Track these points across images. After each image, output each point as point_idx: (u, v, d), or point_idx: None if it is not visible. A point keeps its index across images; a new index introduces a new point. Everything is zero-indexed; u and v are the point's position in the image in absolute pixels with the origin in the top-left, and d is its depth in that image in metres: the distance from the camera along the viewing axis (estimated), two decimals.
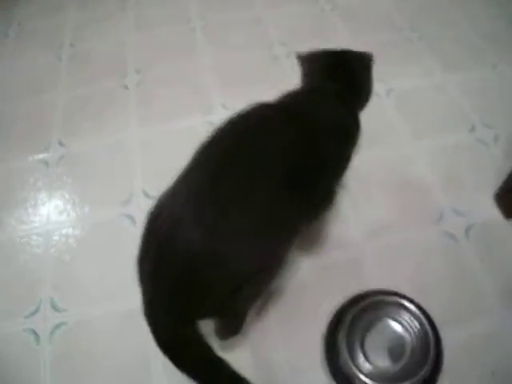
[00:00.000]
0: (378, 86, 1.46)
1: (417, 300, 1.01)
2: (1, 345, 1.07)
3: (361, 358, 0.95)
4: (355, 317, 0.98)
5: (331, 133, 0.95)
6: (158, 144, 1.39)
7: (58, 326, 1.08)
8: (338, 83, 1.04)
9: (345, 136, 1.00)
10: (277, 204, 0.81)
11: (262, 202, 0.79)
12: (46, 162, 1.39)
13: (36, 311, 1.11)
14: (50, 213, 1.29)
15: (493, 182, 1.23)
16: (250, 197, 0.78)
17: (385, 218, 1.20)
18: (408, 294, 1.02)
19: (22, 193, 1.34)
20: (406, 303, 1.00)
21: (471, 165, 1.30)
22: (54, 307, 1.11)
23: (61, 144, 1.43)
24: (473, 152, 1.33)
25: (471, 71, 1.54)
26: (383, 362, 0.96)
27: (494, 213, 1.20)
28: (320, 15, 1.78)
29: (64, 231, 1.24)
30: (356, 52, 1.11)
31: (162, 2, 1.92)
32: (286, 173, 0.83)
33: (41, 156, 1.41)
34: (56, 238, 1.23)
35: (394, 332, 0.99)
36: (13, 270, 1.19)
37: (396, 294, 1.02)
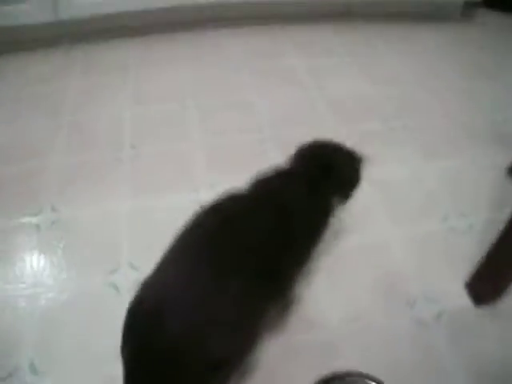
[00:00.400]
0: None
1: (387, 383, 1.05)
2: None
3: None
4: None
5: (297, 217, 1.03)
6: (146, 217, 1.45)
7: None
8: (315, 169, 1.14)
9: (310, 221, 1.09)
10: (250, 293, 0.89)
11: (236, 291, 0.86)
12: (37, 226, 1.44)
13: (13, 374, 1.12)
14: (37, 276, 1.32)
15: (465, 270, 1.30)
16: (225, 287, 0.85)
17: (359, 301, 1.26)
18: (379, 377, 1.06)
19: (11, 253, 1.38)
20: None
21: (444, 253, 1.37)
22: (33, 371, 1.12)
23: (53, 209, 1.49)
24: (446, 240, 1.41)
25: (448, 160, 1.66)
26: None
27: (465, 300, 1.26)
28: (309, 103, 1.90)
29: (50, 295, 1.27)
30: (345, 147, 1.22)
31: (160, 78, 2.04)
32: (258, 260, 0.92)
33: (32, 219, 1.46)
34: (41, 301, 1.26)
35: None
36: None
37: (366, 376, 1.06)
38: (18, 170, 1.63)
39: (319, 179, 1.12)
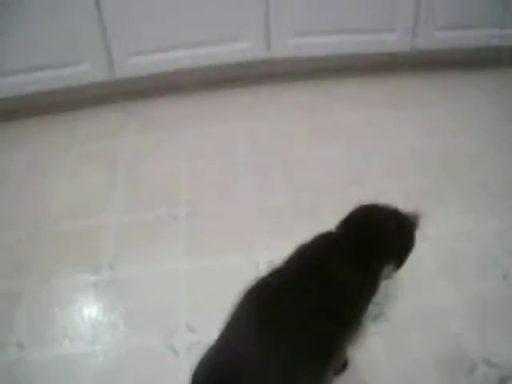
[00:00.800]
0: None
1: None
2: None
3: None
4: None
5: (345, 291, 1.06)
6: (203, 278, 1.48)
7: None
8: (363, 239, 1.12)
9: (358, 294, 1.09)
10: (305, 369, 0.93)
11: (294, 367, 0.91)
12: (95, 284, 1.49)
13: None
14: (95, 335, 1.36)
15: None
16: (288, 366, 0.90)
17: (416, 366, 1.23)
18: None
19: (71, 312, 1.43)
20: None
21: (506, 314, 1.34)
22: None
23: (110, 267, 1.54)
24: (507, 299, 1.37)
25: (504, 216, 1.63)
26: None
27: None
28: (359, 158, 1.92)
29: (107, 355, 1.31)
30: (397, 212, 1.20)
31: (214, 135, 2.10)
32: (311, 336, 0.95)
33: (90, 277, 1.51)
34: (99, 360, 1.29)
35: None
36: None
37: None
38: (77, 227, 1.70)
39: (367, 250, 1.11)
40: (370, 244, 1.11)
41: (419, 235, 1.50)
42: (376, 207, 1.21)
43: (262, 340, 0.91)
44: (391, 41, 2.21)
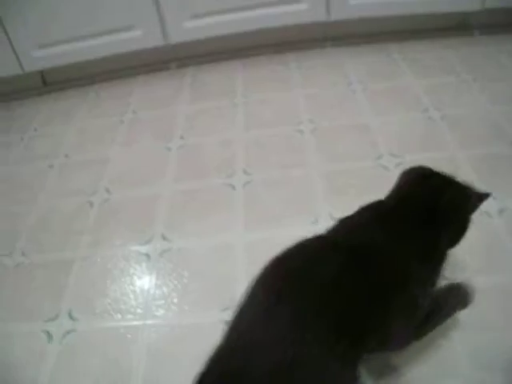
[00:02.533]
0: (488, 204, 1.40)
1: None
2: None
3: None
4: None
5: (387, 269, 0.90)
6: (261, 250, 1.36)
7: None
8: (418, 210, 0.98)
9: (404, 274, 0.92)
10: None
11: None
12: (147, 255, 1.43)
13: None
14: (148, 307, 1.30)
15: None
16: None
17: (499, 349, 1.10)
18: None
19: (122, 282, 1.37)
20: None
21: None
22: None
23: (164, 238, 1.47)
24: None
25: None
26: None
27: None
28: (428, 124, 1.76)
29: (159, 328, 1.25)
30: (456, 182, 1.04)
31: (272, 101, 2.00)
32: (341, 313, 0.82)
33: (143, 248, 1.45)
34: (151, 334, 1.24)
35: None
36: (104, 361, 1.19)
37: None
38: (131, 195, 1.65)
39: (422, 222, 0.96)
40: (431, 213, 0.97)
41: (491, 209, 1.39)
42: (433, 173, 1.06)
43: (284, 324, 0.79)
44: None
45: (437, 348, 1.11)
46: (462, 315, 1.14)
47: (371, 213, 1.01)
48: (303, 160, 1.68)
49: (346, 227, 0.99)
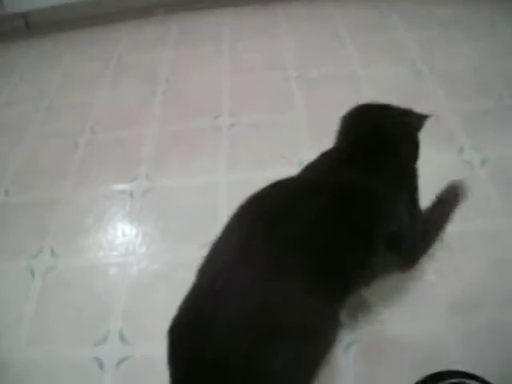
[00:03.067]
0: (473, 155, 1.42)
1: None
2: (65, 370, 1.09)
3: None
4: None
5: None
6: (244, 189, 1.38)
7: (123, 359, 1.09)
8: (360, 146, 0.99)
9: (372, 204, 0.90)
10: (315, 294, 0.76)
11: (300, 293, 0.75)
12: (131, 193, 1.43)
13: (104, 341, 1.12)
14: (130, 244, 1.31)
15: None
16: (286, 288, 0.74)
17: (473, 294, 1.13)
18: (490, 380, 0.94)
19: (105, 221, 1.38)
20: None
21: None
22: (122, 339, 1.12)
23: (148, 178, 1.47)
24: None
25: None
26: None
27: None
28: (416, 77, 1.76)
29: (141, 265, 1.26)
30: (399, 110, 1.08)
31: (259, 48, 1.98)
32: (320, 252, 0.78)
33: (127, 186, 1.46)
34: (132, 270, 1.25)
35: None
36: (86, 296, 1.21)
37: (475, 377, 0.94)
38: (116, 136, 1.65)
39: (378, 152, 0.97)
40: (381, 141, 0.99)
41: (478, 160, 1.40)
42: (368, 105, 1.10)
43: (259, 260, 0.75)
44: None
45: (414, 290, 1.14)
46: (440, 260, 1.17)
47: (333, 156, 1.01)
48: (289, 106, 1.67)
49: (315, 170, 0.99)
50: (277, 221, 0.79)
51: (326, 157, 1.02)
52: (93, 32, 2.21)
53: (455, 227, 1.24)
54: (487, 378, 0.94)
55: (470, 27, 1.97)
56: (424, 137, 1.42)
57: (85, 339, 1.13)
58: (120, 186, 1.46)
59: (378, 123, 1.02)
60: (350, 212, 0.84)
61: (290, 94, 1.72)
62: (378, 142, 0.99)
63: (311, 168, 1.00)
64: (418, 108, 1.57)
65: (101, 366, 1.08)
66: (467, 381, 0.94)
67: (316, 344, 0.76)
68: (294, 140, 1.53)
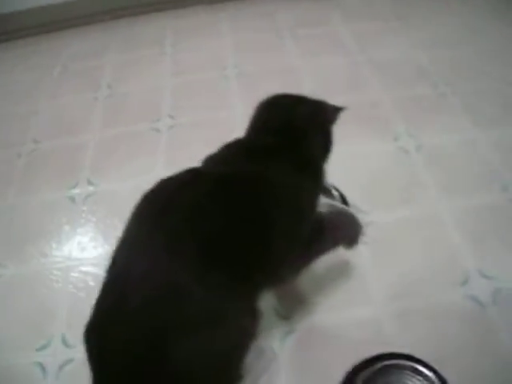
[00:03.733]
0: (408, 141, 1.45)
1: (436, 367, 0.96)
2: (7, 376, 1.08)
3: None
4: (366, 381, 0.94)
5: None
6: None
7: (66, 362, 1.08)
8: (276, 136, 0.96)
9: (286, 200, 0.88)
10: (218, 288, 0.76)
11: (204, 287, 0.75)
12: (73, 199, 1.43)
13: (47, 346, 1.12)
14: (72, 249, 1.31)
15: None
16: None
17: (407, 278, 1.16)
18: (426, 360, 0.97)
19: (48, 226, 1.38)
20: (422, 368, 0.95)
21: (502, 226, 1.25)
22: (65, 343, 1.11)
23: (89, 183, 1.47)
24: (505, 212, 1.28)
25: (506, 128, 1.50)
26: None
27: None
28: (354, 68, 1.79)
29: (84, 268, 1.26)
30: (312, 101, 1.06)
31: (200, 48, 1.99)
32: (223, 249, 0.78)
33: (69, 192, 1.45)
34: (75, 274, 1.25)
35: None
36: (30, 302, 1.21)
37: (411, 357, 0.97)
38: (58, 144, 1.63)
39: (284, 143, 0.95)
40: (289, 132, 0.96)
41: (414, 146, 1.44)
42: (281, 95, 1.07)
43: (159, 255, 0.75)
44: None
45: (349, 278, 1.16)
46: (375, 247, 1.20)
47: (235, 146, 0.99)
48: (227, 103, 1.69)
49: (213, 161, 0.97)
50: (167, 214, 0.80)
51: (227, 148, 1.00)
52: (38, 40, 2.19)
53: (390, 213, 1.28)
54: (417, 354, 0.97)
55: (408, 19, 2.02)
56: (360, 125, 1.49)
57: (28, 345, 1.12)
58: (63, 192, 1.45)
59: (286, 114, 1.00)
60: (241, 202, 0.82)
61: (229, 91, 1.74)
62: (284, 133, 0.96)
63: (211, 159, 0.98)
64: (356, 97, 1.63)
65: (43, 370, 1.07)
66: (403, 361, 0.97)
67: (224, 333, 0.76)
68: (230, 137, 1.53)
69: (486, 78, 1.69)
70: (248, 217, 0.81)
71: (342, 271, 1.17)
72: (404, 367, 0.95)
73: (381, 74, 1.74)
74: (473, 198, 1.31)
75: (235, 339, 0.80)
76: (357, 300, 1.12)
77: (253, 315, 0.84)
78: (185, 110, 1.68)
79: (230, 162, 0.94)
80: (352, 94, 1.65)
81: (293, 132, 0.97)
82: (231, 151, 0.98)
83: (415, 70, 1.75)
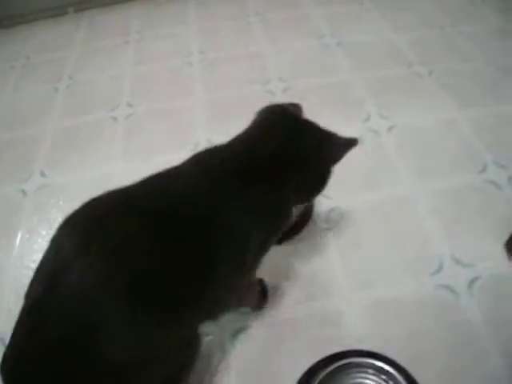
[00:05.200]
0: (379, 122, 1.34)
1: (405, 365, 0.83)
2: None
3: None
4: (323, 381, 0.81)
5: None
6: (137, 178, 1.28)
7: None
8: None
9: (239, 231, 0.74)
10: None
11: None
12: (23, 192, 1.31)
13: None
14: (25, 246, 1.19)
15: (504, 229, 1.05)
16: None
17: (376, 267, 1.04)
18: (395, 357, 0.85)
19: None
20: (387, 367, 0.82)
21: (480, 209, 1.13)
22: None
23: (42, 174, 1.35)
24: (483, 194, 1.16)
25: (484, 107, 1.39)
26: None
27: (504, 263, 1.02)
28: (325, 51, 1.67)
29: (32, 263, 1.13)
30: (322, 131, 0.86)
31: (165, 36, 1.88)
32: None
33: (20, 185, 1.33)
34: (23, 271, 1.12)
35: None
36: None
37: (374, 355, 0.84)
38: (13, 137, 1.52)
39: (264, 175, 0.77)
40: (279, 163, 0.79)
41: (387, 126, 1.33)
42: (288, 113, 0.87)
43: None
44: None
45: (310, 268, 1.04)
46: (338, 234, 1.08)
47: (206, 158, 0.81)
48: (189, 90, 1.57)
49: (164, 181, 0.78)
50: (95, 243, 0.65)
51: (195, 160, 0.81)
52: (1, 34, 2.06)
53: (356, 198, 1.16)
54: (390, 354, 0.85)
55: (383, 1, 1.91)
56: (330, 107, 1.37)
57: None
58: (14, 185, 1.33)
59: (286, 138, 0.80)
60: (182, 240, 0.68)
61: (191, 78, 1.63)
62: (273, 161, 0.78)
63: (168, 173, 0.79)
64: (326, 80, 1.51)
65: None
66: (365, 359, 0.84)
67: (154, 374, 0.67)
68: (191, 124, 1.43)
69: (464, 58, 1.59)
70: (187, 258, 0.67)
71: (303, 260, 1.05)
72: (365, 366, 0.82)
73: (353, 57, 1.63)
74: (448, 180, 1.20)
75: (170, 375, 0.70)
76: (319, 292, 1.00)
77: (189, 347, 0.73)
78: (145, 98, 1.56)
79: (186, 183, 0.76)
80: (322, 77, 1.53)
81: (284, 161, 0.79)
82: (197, 166, 0.79)
83: (389, 52, 1.64)
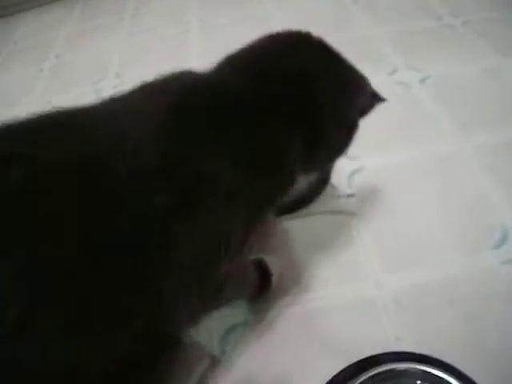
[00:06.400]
0: (409, 74, 1.11)
1: (466, 371, 0.56)
2: None
3: None
4: None
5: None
6: None
7: None
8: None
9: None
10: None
11: None
12: None
13: None
14: None
15: None
16: None
17: (417, 241, 0.77)
18: (452, 362, 0.57)
19: None
20: (446, 376, 0.54)
21: None
22: None
23: None
24: None
25: None
26: None
27: None
28: (339, 8, 1.45)
29: None
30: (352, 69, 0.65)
31: (163, 9, 1.69)
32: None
33: None
34: None
35: None
36: None
37: (425, 359, 0.57)
38: None
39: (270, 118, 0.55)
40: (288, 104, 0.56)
41: (417, 79, 1.09)
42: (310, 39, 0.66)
43: None
44: None
45: (329, 247, 0.79)
46: (364, 202, 0.83)
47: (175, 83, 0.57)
48: (185, 57, 1.37)
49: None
50: None
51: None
52: None
53: (387, 158, 0.91)
54: (444, 357, 0.58)
55: None
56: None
57: None
58: None
59: (306, 65, 0.60)
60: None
61: (188, 45, 1.42)
62: (289, 97, 0.56)
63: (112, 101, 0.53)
64: (344, 35, 1.28)
65: None
66: (414, 365, 0.58)
67: None
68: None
69: (499, 7, 1.32)
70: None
71: (319, 234, 0.80)
72: (413, 375, 0.55)
73: (371, 10, 1.40)
74: (502, 133, 0.93)
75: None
76: (341, 274, 0.74)
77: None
78: (135, 68, 1.36)
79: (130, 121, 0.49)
80: (339, 33, 1.29)
81: (295, 99, 0.56)
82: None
83: (415, 4, 1.39)
